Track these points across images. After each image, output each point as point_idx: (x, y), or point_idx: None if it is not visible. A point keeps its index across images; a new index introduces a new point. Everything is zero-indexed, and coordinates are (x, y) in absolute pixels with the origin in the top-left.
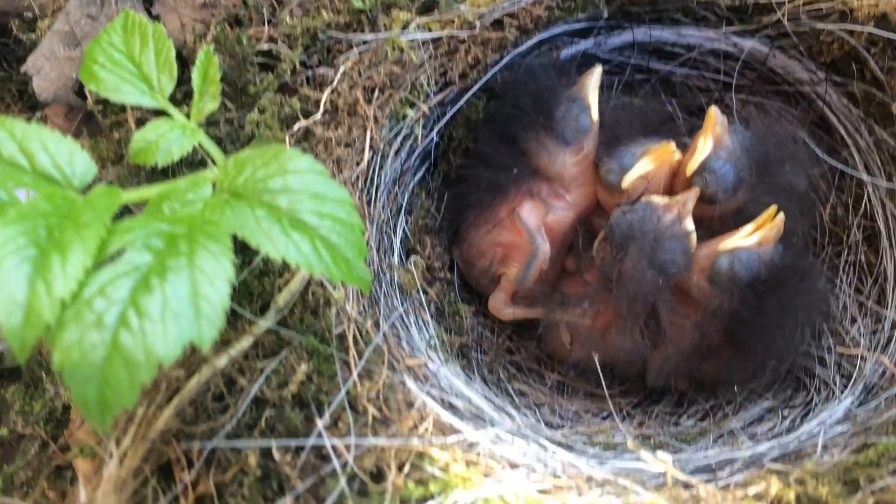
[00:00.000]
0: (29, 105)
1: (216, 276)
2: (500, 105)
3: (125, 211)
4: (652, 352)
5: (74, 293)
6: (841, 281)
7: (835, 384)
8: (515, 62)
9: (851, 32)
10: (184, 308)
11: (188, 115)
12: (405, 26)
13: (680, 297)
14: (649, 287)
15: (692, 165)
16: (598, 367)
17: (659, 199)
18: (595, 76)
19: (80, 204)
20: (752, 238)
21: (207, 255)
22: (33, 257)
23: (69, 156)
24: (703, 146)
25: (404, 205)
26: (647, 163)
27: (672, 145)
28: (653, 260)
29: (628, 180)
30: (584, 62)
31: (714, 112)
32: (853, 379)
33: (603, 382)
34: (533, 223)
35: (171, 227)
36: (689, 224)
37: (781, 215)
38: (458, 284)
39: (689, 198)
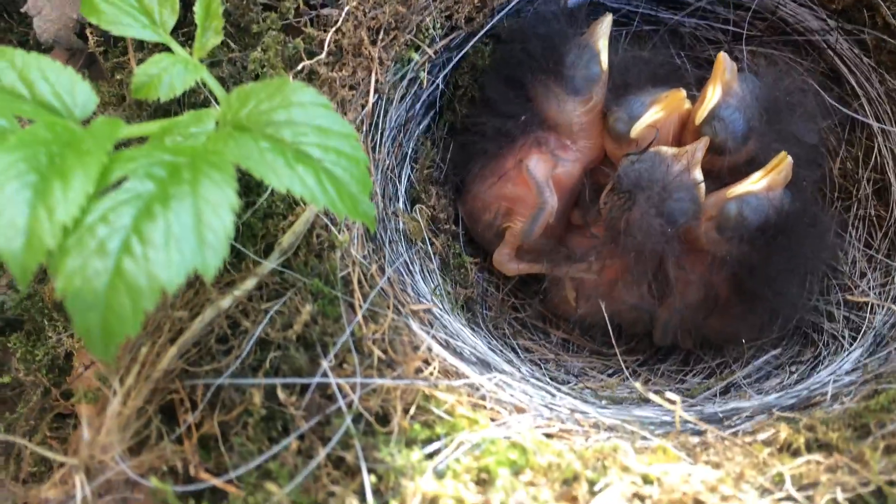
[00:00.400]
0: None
1: (220, 204)
2: (509, 50)
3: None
4: (659, 307)
5: (76, 219)
6: (850, 235)
7: (843, 338)
8: (523, 7)
9: None
10: (187, 235)
11: (191, 53)
12: None
13: (688, 250)
14: (657, 237)
15: (701, 113)
16: (607, 322)
17: (668, 149)
18: (606, 24)
19: (82, 133)
20: (760, 183)
21: (211, 184)
22: (34, 183)
23: (70, 86)
24: (713, 94)
25: (409, 153)
26: (656, 111)
27: (682, 92)
28: (661, 209)
29: (637, 129)
30: (593, 11)
31: (723, 58)
32: (863, 331)
33: (612, 336)
34: (541, 175)
35: (173, 157)
36: (698, 173)
37: (790, 160)
38: (463, 238)
39: (699, 147)
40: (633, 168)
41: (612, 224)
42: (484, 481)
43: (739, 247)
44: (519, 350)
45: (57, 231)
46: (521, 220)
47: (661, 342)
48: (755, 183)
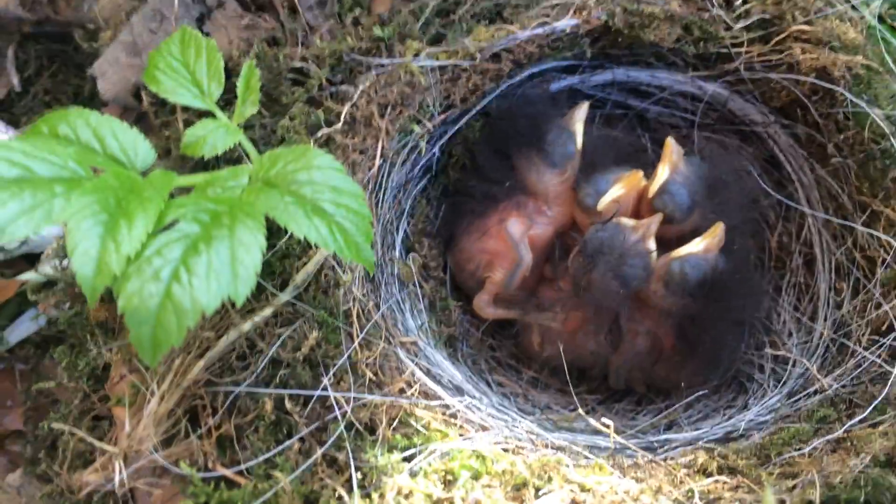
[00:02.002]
0: (81, 104)
1: (251, 245)
2: (499, 125)
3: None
4: (613, 354)
5: (137, 252)
6: (783, 300)
7: (768, 387)
8: (510, 91)
9: (797, 82)
10: (224, 269)
11: (230, 118)
12: (417, 54)
13: (639, 306)
14: (613, 296)
15: (653, 187)
16: (565, 366)
17: (627, 221)
18: (582, 110)
19: (142, 182)
20: (700, 245)
21: (245, 229)
22: (105, 221)
23: (133, 143)
24: (662, 172)
25: (407, 209)
26: (619, 188)
27: (640, 174)
28: (618, 273)
29: (603, 203)
30: (571, 96)
31: (671, 142)
32: (783, 381)
33: (568, 378)
34: (518, 234)
35: (215, 206)
36: (651, 244)
37: (722, 227)
38: (450, 284)
39: (653, 221)
40: (597, 236)
41: (576, 281)
42: (449, 482)
43: (682, 299)
44: (493, 384)
45: (122, 261)
46: (501, 271)
47: (615, 385)
48: (695, 246)
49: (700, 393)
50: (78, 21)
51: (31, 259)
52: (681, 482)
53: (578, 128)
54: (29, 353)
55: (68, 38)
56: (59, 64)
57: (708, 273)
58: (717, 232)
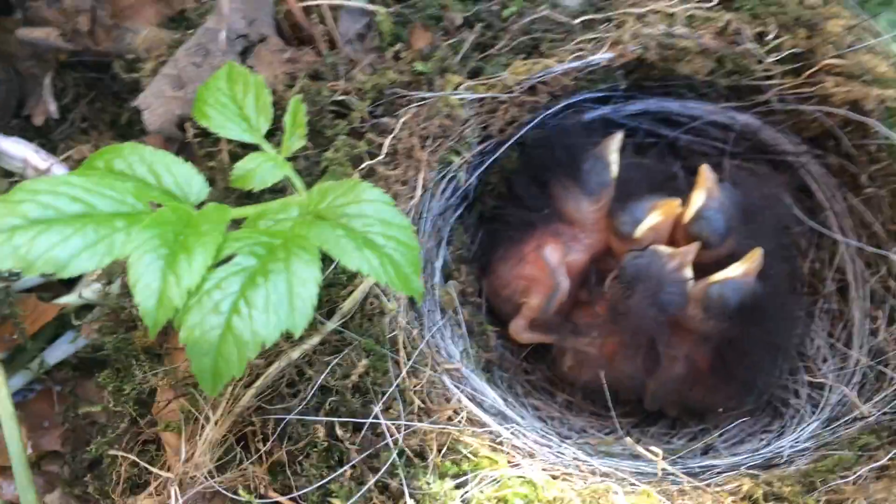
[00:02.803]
0: (119, 134)
1: (307, 279)
2: (536, 155)
3: None
4: (649, 378)
5: (198, 285)
6: (816, 325)
7: (805, 412)
8: (547, 122)
9: (829, 114)
10: (282, 302)
11: (276, 151)
12: (456, 87)
13: (676, 331)
14: (650, 323)
15: (689, 213)
16: (606, 391)
17: (664, 249)
18: (617, 140)
19: (199, 216)
20: (738, 270)
21: (300, 262)
22: (165, 255)
23: (188, 177)
24: (698, 198)
25: (445, 237)
26: (656, 216)
27: (678, 201)
28: (655, 300)
29: (641, 230)
30: (604, 125)
31: (705, 169)
32: (820, 407)
33: (609, 402)
34: (556, 262)
35: (270, 239)
36: (688, 272)
37: (761, 251)
38: (486, 309)
39: (691, 250)
40: (635, 263)
41: (613, 307)
42: None
43: (720, 323)
44: (528, 408)
45: (183, 294)
46: (537, 296)
47: (650, 407)
48: (734, 270)
49: (740, 421)
50: (117, 52)
51: (69, 283)
52: None
53: (613, 157)
54: (66, 375)
55: (105, 67)
56: (97, 92)
57: (746, 297)
58: (755, 257)
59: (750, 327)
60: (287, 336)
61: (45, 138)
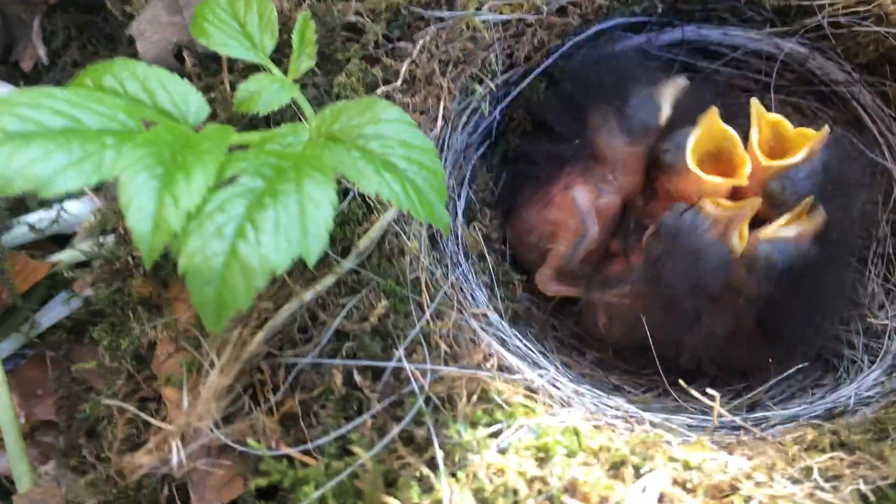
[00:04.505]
0: None
1: (321, 200)
2: (581, 74)
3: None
4: (686, 335)
5: (198, 207)
6: (869, 272)
7: (863, 362)
8: (576, 52)
9: (886, 35)
10: (293, 225)
11: (284, 73)
12: (479, 7)
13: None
14: (685, 295)
15: (778, 164)
16: (652, 347)
17: (710, 210)
18: (677, 86)
19: (198, 136)
20: (791, 230)
21: (313, 182)
22: (161, 175)
23: (185, 95)
24: (798, 154)
25: (468, 176)
26: (697, 130)
27: (715, 110)
28: (691, 273)
29: (689, 156)
30: (637, 57)
31: (826, 131)
32: (880, 355)
33: (655, 357)
34: (585, 205)
35: (278, 160)
36: (735, 240)
37: (822, 214)
38: (510, 258)
39: (744, 212)
40: (674, 223)
41: (648, 267)
42: (542, 459)
43: (765, 286)
44: (559, 366)
45: (181, 216)
46: (565, 243)
47: (687, 366)
48: (786, 227)
49: (788, 373)
50: None
51: (61, 241)
52: (793, 459)
53: (668, 103)
54: (60, 338)
55: (97, 9)
56: (88, 35)
57: (796, 262)
58: (816, 217)
59: (796, 295)
60: (300, 270)
61: (34, 85)
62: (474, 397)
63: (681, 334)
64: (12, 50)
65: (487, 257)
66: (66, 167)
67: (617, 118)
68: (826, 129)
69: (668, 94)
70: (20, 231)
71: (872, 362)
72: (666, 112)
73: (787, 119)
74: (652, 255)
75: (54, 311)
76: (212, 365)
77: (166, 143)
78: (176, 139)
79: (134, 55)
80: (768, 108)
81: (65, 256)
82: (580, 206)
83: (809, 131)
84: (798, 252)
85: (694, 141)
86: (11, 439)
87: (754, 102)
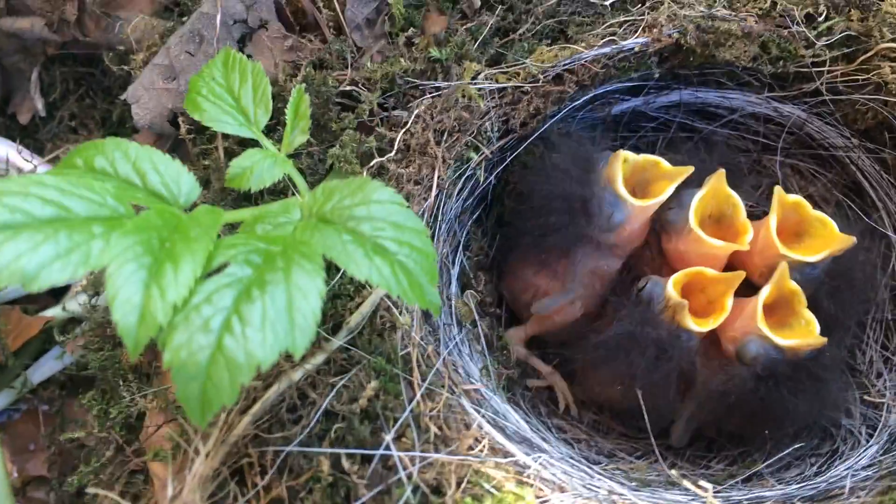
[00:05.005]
0: (111, 132)
1: (309, 291)
2: (532, 209)
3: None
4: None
5: (185, 299)
6: (868, 337)
7: (860, 434)
8: (572, 114)
9: (885, 103)
10: (281, 318)
11: (276, 147)
12: (475, 76)
13: (705, 359)
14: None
15: (795, 258)
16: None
17: (670, 292)
18: (618, 164)
19: (188, 220)
20: (788, 342)
21: (302, 272)
22: (149, 265)
23: (177, 176)
24: (819, 255)
25: (462, 241)
26: (703, 192)
27: (722, 171)
28: (650, 359)
29: (692, 217)
30: (633, 119)
31: (852, 240)
32: (878, 428)
33: (647, 423)
34: (580, 268)
35: (268, 246)
36: (690, 324)
37: (824, 339)
38: (506, 321)
39: (684, 304)
40: (635, 300)
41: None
42: None
43: (750, 372)
44: (553, 430)
45: (168, 310)
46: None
47: (678, 444)
48: (782, 340)
49: (782, 454)
50: (107, 43)
51: (57, 293)
52: None
53: (621, 188)
54: (53, 394)
55: (96, 61)
56: (86, 88)
57: (783, 365)
58: (814, 337)
59: (786, 388)
60: (287, 356)
61: (31, 137)
62: (464, 483)
63: (664, 412)
64: (9, 101)
65: (480, 324)
66: (53, 259)
67: (591, 229)
68: (853, 238)
69: (617, 177)
70: (13, 286)
71: (871, 435)
72: (627, 195)
73: (787, 181)
74: (616, 331)
75: (47, 367)
76: (197, 451)
77: (156, 228)
78: (166, 223)
79: (131, 116)
80: (770, 171)
81: (57, 313)
82: (575, 267)
83: (828, 220)
84: (787, 360)
85: (698, 201)
86: (2, 495)
87: (777, 189)
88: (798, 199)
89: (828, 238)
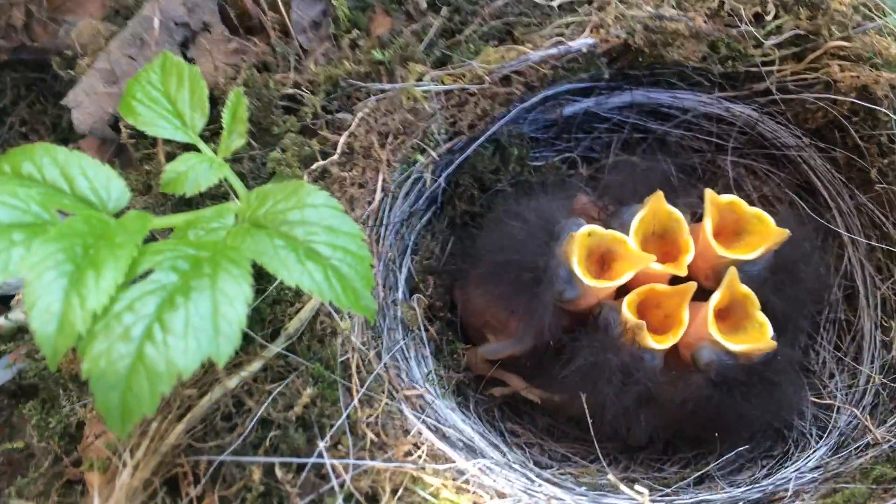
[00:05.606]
0: (61, 137)
1: (236, 297)
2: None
3: (150, 239)
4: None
5: (105, 307)
6: (821, 337)
7: (811, 435)
8: (521, 116)
9: (834, 102)
10: (205, 325)
11: (216, 151)
12: (420, 78)
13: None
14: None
15: (731, 257)
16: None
17: (627, 315)
18: (575, 244)
19: (114, 226)
20: (739, 347)
21: (229, 277)
22: (70, 272)
23: (106, 182)
24: (755, 252)
25: (410, 245)
26: (642, 212)
27: (660, 193)
28: (614, 379)
29: (633, 232)
30: (587, 121)
31: (786, 233)
32: (828, 430)
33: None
34: (534, 323)
35: (196, 251)
36: (649, 342)
37: (773, 342)
38: (458, 325)
39: (642, 324)
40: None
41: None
42: None
43: (706, 385)
44: (506, 434)
45: (87, 317)
46: (500, 339)
47: (636, 444)
48: (734, 344)
49: (729, 455)
50: (55, 48)
51: (6, 300)
52: None
53: (577, 267)
54: (2, 403)
55: (46, 67)
56: (37, 93)
57: (737, 371)
58: (766, 341)
59: (733, 394)
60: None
61: None
62: (399, 491)
63: (619, 425)
64: None
65: (430, 328)
66: None
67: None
68: (787, 231)
69: (573, 256)
70: None
71: (820, 437)
72: (582, 276)
73: (742, 181)
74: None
75: None
76: (126, 463)
77: (80, 235)
78: (91, 230)
79: None
80: (723, 172)
81: (3, 322)
82: (531, 319)
83: (765, 216)
84: (740, 366)
85: (638, 222)
86: None
87: (708, 192)
88: (733, 198)
89: (765, 234)
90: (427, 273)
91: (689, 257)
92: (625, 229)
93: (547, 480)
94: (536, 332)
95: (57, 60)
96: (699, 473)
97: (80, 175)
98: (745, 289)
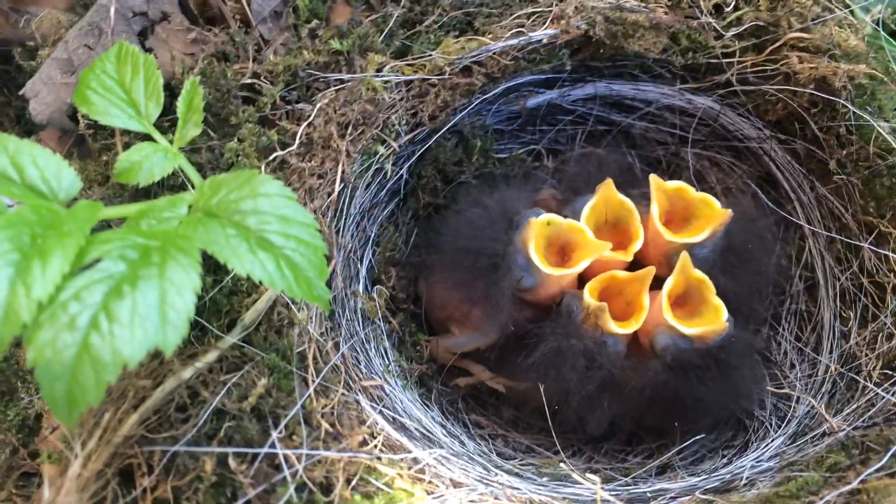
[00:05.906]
0: (26, 129)
1: (184, 286)
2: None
3: (106, 228)
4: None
5: (52, 296)
6: (783, 328)
7: (770, 425)
8: (483, 108)
9: (794, 94)
10: (151, 314)
11: (172, 141)
12: (380, 69)
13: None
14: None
15: (679, 241)
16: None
17: (589, 301)
18: (533, 230)
19: (63, 215)
20: (693, 330)
21: (177, 266)
22: (16, 261)
23: (57, 171)
24: (700, 235)
25: (372, 237)
26: (592, 201)
27: (610, 181)
28: (577, 365)
29: (584, 218)
30: (550, 112)
31: (729, 213)
32: (787, 419)
33: (554, 435)
34: (499, 316)
35: (145, 240)
36: (611, 326)
37: (725, 323)
38: (422, 316)
39: (604, 306)
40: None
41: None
42: None
43: (664, 369)
44: (470, 425)
45: (33, 307)
46: (467, 332)
47: (595, 433)
48: (690, 329)
49: (687, 442)
50: (18, 39)
51: None
52: None
53: (534, 255)
54: None
55: (9, 58)
56: (1, 85)
57: (693, 355)
58: (718, 322)
59: (702, 372)
60: (178, 353)
61: None
62: (354, 481)
63: (583, 413)
64: None
65: (392, 319)
66: None
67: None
68: (729, 211)
69: (531, 244)
70: None
71: (780, 426)
72: (539, 264)
73: (705, 173)
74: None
75: None
76: (76, 455)
77: (28, 224)
78: (40, 219)
79: None
80: (687, 164)
81: None
82: (495, 312)
83: (711, 200)
84: (696, 350)
85: (588, 209)
86: None
87: (653, 178)
88: (679, 184)
89: (711, 216)
90: (390, 265)
91: (637, 244)
92: (577, 217)
93: (507, 471)
94: (501, 325)
95: (19, 51)
96: (659, 461)
97: (30, 164)
98: (700, 273)
